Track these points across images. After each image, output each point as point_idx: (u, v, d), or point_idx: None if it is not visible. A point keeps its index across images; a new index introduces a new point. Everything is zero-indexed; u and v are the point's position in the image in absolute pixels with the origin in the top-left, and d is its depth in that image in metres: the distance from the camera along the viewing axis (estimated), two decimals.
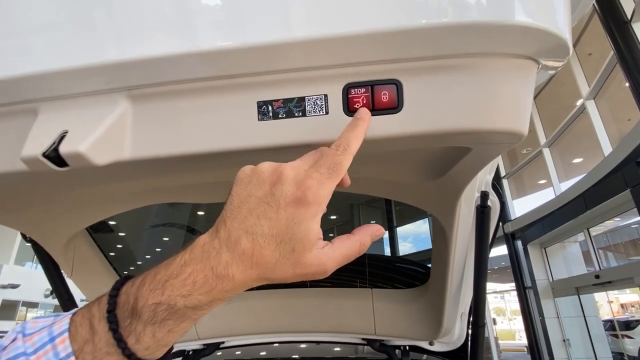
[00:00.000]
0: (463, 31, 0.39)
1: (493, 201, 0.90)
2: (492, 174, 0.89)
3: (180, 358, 1.39)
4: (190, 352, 1.39)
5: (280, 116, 0.45)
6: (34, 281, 13.72)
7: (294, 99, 0.45)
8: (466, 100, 0.42)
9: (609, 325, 9.31)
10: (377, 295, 1.29)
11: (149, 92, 0.47)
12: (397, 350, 1.35)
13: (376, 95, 0.44)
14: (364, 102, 0.44)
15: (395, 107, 0.43)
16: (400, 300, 1.27)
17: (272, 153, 0.45)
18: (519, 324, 15.09)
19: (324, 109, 0.44)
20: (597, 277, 6.86)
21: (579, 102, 7.33)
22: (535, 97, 8.89)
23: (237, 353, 1.54)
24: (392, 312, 1.27)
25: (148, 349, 0.36)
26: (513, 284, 9.50)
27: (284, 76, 0.44)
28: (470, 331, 1.25)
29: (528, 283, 8.93)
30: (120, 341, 0.35)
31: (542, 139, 8.77)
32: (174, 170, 0.56)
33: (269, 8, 0.41)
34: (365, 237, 0.42)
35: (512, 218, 9.53)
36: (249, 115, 0.45)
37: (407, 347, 1.37)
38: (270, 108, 0.45)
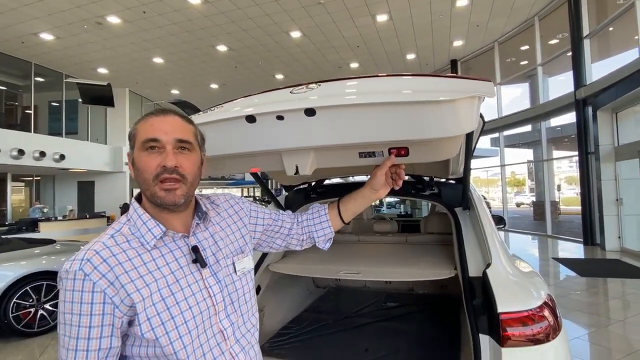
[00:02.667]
0: (429, 138, 0.97)
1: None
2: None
3: (306, 184, 2.41)
4: (313, 183, 2.41)
5: (366, 157, 1.10)
6: None
7: (370, 152, 1.09)
8: (433, 152, 1.07)
9: None
10: None
11: (323, 149, 1.10)
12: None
13: (399, 151, 1.06)
14: (395, 152, 1.07)
15: (407, 155, 1.07)
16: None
17: (365, 169, 1.42)
18: None
19: (382, 154, 1.09)
20: None
21: None
22: None
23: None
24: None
25: (345, 218, 1.20)
26: None
27: (369, 145, 1.07)
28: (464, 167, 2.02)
29: (592, 149, 9.02)
30: (339, 215, 1.19)
31: None
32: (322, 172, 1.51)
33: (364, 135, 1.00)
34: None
35: (587, 83, 9.04)
36: (355, 156, 1.11)
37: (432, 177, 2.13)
38: (363, 154, 1.10)
